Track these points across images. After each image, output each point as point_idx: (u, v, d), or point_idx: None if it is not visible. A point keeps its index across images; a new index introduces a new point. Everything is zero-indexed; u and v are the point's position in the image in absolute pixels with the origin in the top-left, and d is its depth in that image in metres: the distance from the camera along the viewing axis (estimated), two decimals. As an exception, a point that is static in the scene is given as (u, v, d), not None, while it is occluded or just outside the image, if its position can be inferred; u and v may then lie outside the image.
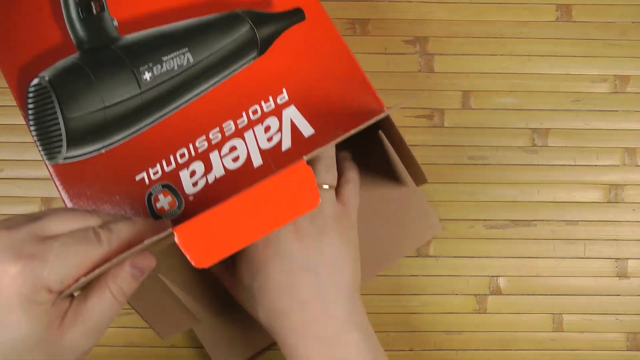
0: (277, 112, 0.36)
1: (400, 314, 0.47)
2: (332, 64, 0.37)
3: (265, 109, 0.36)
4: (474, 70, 0.48)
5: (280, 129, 0.36)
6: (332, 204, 0.36)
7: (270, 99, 0.37)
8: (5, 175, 0.48)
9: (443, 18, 0.49)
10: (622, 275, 0.47)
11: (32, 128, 0.36)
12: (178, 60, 0.36)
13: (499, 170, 0.48)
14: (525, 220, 0.47)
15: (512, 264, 0.47)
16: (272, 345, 0.44)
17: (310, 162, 0.32)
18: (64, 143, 0.36)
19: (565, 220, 0.47)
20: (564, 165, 0.48)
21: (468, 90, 0.48)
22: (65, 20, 0.37)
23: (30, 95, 0.36)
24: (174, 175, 0.36)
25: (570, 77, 0.48)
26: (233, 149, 0.36)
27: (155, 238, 0.27)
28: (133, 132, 0.36)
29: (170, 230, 0.27)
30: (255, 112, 0.37)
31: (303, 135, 0.36)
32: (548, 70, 0.48)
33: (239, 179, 0.36)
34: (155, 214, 0.36)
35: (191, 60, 0.37)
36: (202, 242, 0.27)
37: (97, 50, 0.37)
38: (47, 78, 0.36)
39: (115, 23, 0.37)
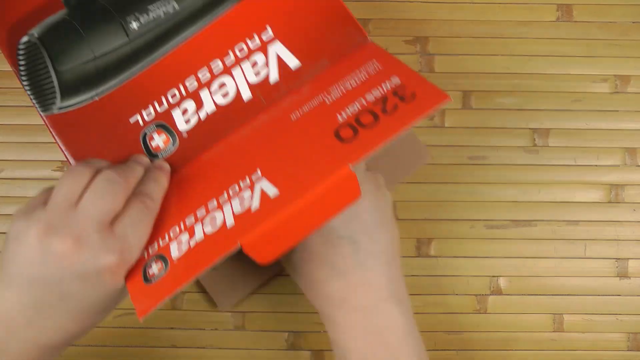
0: (263, 48, 0.38)
1: (400, 314, 0.47)
2: None
3: (251, 46, 0.38)
4: (475, 70, 0.48)
5: (267, 64, 0.38)
6: (362, 170, 0.37)
7: (255, 36, 0.38)
8: (5, 175, 0.48)
9: (443, 18, 0.49)
10: (623, 275, 0.47)
11: (25, 83, 0.37)
12: (164, 8, 0.38)
13: (500, 170, 0.48)
14: (526, 220, 0.47)
15: (512, 264, 0.47)
16: (276, 275, 0.46)
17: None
18: (58, 94, 0.37)
19: (566, 220, 0.47)
20: (565, 165, 0.48)
21: (468, 90, 0.48)
22: None
23: (21, 52, 0.38)
24: (167, 114, 0.38)
25: (571, 77, 0.48)
26: (222, 85, 0.38)
27: (224, 255, 0.29)
28: (124, 79, 0.38)
29: (238, 246, 0.29)
30: (241, 49, 0.38)
31: (290, 68, 0.38)
32: (548, 70, 0.48)
33: (230, 113, 0.38)
34: (150, 152, 0.38)
35: (176, 7, 0.38)
36: (264, 246, 0.30)
37: (83, 4, 0.38)
38: (36, 35, 0.37)
39: None
